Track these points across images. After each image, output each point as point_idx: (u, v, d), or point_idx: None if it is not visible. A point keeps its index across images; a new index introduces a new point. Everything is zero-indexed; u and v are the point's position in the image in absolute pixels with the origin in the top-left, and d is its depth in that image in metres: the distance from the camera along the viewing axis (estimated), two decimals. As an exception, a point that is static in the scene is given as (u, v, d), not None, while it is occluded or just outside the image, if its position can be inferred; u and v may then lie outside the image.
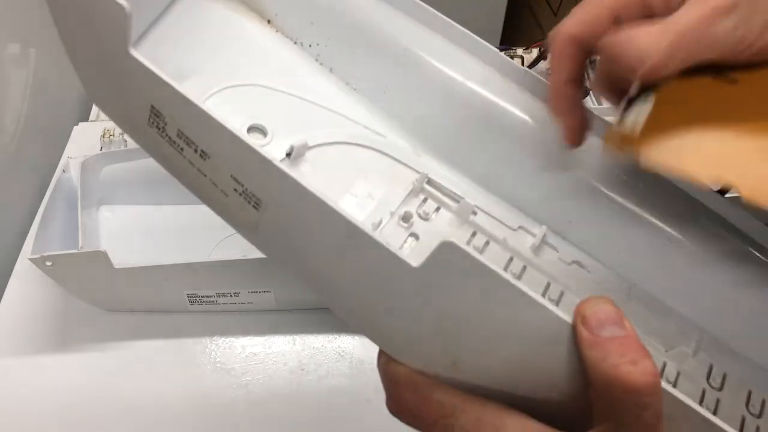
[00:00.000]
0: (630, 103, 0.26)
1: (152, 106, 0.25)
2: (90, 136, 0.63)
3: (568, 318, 0.20)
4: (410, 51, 0.34)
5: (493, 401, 0.22)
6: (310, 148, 0.32)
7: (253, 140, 0.22)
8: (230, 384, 0.47)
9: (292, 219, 0.24)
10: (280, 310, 0.50)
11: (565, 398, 0.21)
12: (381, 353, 0.24)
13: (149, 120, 0.25)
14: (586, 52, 0.27)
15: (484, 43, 0.33)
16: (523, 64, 0.60)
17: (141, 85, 0.24)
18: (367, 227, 0.21)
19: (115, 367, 0.47)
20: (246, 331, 0.49)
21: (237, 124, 0.31)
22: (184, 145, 0.25)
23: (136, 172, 0.54)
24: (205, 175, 0.25)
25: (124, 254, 0.45)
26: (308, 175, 0.32)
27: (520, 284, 0.19)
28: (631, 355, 0.19)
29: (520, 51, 0.60)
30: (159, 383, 0.47)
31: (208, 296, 0.48)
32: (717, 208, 0.31)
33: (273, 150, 0.32)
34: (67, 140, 0.64)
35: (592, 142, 0.31)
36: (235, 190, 0.24)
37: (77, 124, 0.66)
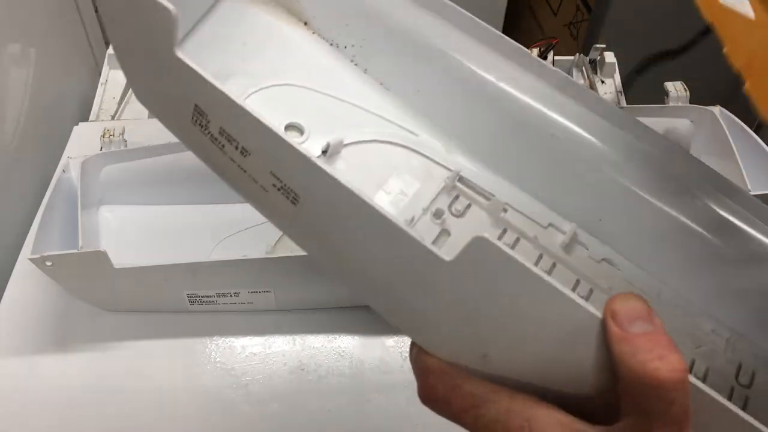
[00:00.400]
0: None
1: (196, 105, 0.26)
2: (90, 136, 0.63)
3: (598, 313, 0.20)
4: (443, 52, 0.35)
5: (523, 393, 0.22)
6: (345, 145, 0.34)
7: (291, 138, 0.23)
8: (230, 384, 0.47)
9: (328, 214, 0.24)
10: (280, 310, 0.50)
11: (593, 392, 0.21)
12: (413, 345, 0.24)
13: (193, 118, 0.26)
14: None
15: (518, 45, 0.34)
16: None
17: (185, 84, 0.25)
18: (402, 222, 0.21)
19: (115, 367, 0.47)
20: (246, 331, 0.49)
21: (274, 123, 0.32)
22: (225, 142, 0.26)
23: (136, 172, 0.54)
24: (245, 171, 0.26)
25: (124, 254, 0.45)
26: (343, 172, 0.33)
27: (551, 279, 0.20)
28: (660, 350, 0.19)
29: (520, 51, 0.60)
30: (159, 383, 0.47)
31: (208, 296, 0.48)
32: (752, 210, 0.32)
33: (309, 147, 0.33)
34: (67, 140, 0.64)
35: (623, 138, 0.32)
36: (274, 185, 0.25)
37: (77, 124, 0.66)
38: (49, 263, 0.43)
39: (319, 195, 0.24)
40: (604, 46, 0.67)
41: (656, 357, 0.19)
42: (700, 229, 0.32)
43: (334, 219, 0.24)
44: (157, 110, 0.30)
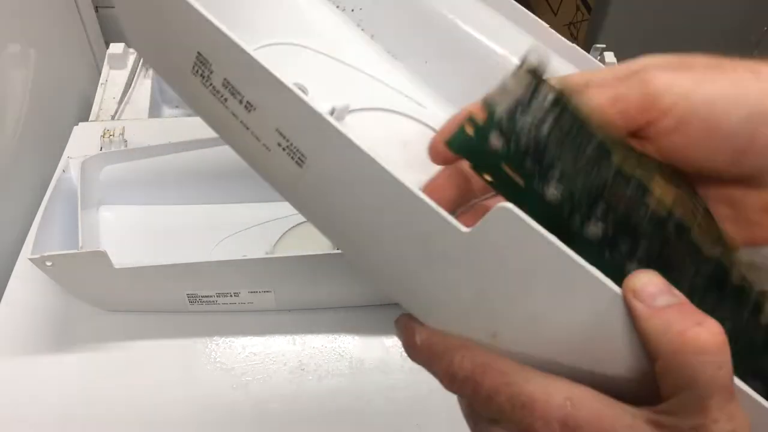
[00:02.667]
0: None
1: (199, 53, 0.24)
2: (90, 136, 0.63)
3: (620, 291, 0.19)
4: (454, 22, 0.33)
5: (555, 373, 0.21)
6: (351, 111, 0.32)
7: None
8: (230, 384, 0.47)
9: (337, 177, 0.23)
10: (280, 310, 0.50)
11: (624, 373, 0.20)
12: (416, 329, 0.23)
13: (194, 68, 0.24)
14: None
15: (532, 15, 0.32)
16: (523, 64, 0.60)
17: (189, 29, 0.23)
18: (417, 189, 0.20)
19: (115, 367, 0.47)
20: (246, 331, 0.49)
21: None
22: (228, 96, 0.24)
23: (136, 172, 0.54)
24: (248, 128, 0.24)
25: (124, 254, 0.45)
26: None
27: (575, 254, 0.18)
28: (694, 317, 0.19)
29: (520, 51, 0.60)
30: (159, 383, 0.47)
31: (208, 296, 0.48)
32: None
33: None
34: (67, 140, 0.64)
35: None
36: (279, 144, 0.23)
37: (77, 124, 0.66)
38: (49, 263, 0.43)
39: (328, 156, 0.22)
40: (604, 46, 0.67)
41: (693, 323, 0.18)
42: None
43: (342, 183, 0.23)
44: (152, 57, 0.28)
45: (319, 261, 0.45)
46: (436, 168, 0.28)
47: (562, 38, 0.32)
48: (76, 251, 0.44)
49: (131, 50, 0.77)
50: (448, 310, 0.22)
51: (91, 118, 0.69)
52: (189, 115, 0.76)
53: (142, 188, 0.55)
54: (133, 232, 0.54)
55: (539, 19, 0.32)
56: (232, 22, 0.32)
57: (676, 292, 0.20)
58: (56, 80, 0.75)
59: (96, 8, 0.92)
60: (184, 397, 0.46)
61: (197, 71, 0.24)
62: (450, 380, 0.23)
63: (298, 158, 0.23)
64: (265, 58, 0.32)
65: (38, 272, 0.44)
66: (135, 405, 0.45)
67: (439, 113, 0.34)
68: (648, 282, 0.19)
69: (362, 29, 0.35)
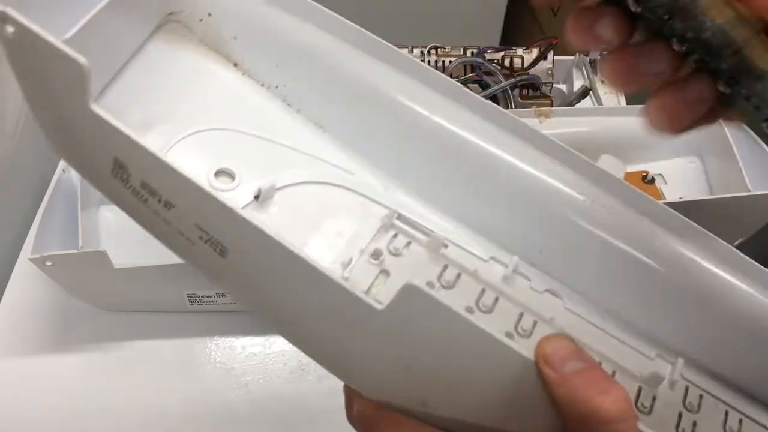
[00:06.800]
0: None
1: (116, 158, 0.25)
2: (90, 136, 0.63)
3: (531, 357, 0.20)
4: (376, 88, 0.34)
5: None
6: (279, 189, 0.32)
7: (220, 185, 0.23)
8: (230, 384, 0.47)
9: (258, 265, 0.24)
10: (280, 310, 0.50)
11: None
12: (355, 400, 0.24)
13: (113, 172, 0.26)
14: None
15: (446, 78, 0.34)
16: (523, 64, 0.60)
17: (104, 138, 0.24)
18: (332, 271, 0.21)
19: (115, 367, 0.47)
20: (246, 331, 0.49)
21: (204, 169, 0.31)
22: (148, 196, 0.25)
23: (136, 172, 0.54)
24: (170, 224, 0.25)
25: (124, 254, 0.45)
26: (277, 216, 0.32)
27: (482, 324, 0.19)
28: (599, 385, 0.19)
29: (520, 51, 0.60)
30: (159, 383, 0.47)
31: (208, 296, 0.48)
32: (687, 233, 0.31)
33: (241, 193, 0.32)
34: (67, 140, 0.64)
35: (555, 167, 0.32)
36: (201, 237, 0.24)
37: (77, 124, 0.66)
38: (49, 263, 0.43)
39: (246, 246, 0.24)
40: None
41: (597, 392, 0.19)
42: (641, 256, 0.31)
43: (264, 270, 0.24)
44: (75, 164, 0.29)
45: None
46: (366, 237, 0.30)
47: (480, 97, 0.34)
48: (76, 251, 0.44)
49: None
50: (379, 382, 0.23)
51: (91, 118, 0.68)
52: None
53: (142, 188, 0.55)
54: (133, 232, 0.54)
55: (455, 81, 0.34)
56: (158, 116, 0.33)
57: (586, 355, 0.20)
58: (56, 80, 0.75)
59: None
60: (184, 397, 0.46)
61: (117, 174, 0.25)
62: None
63: (220, 249, 0.24)
64: (191, 146, 0.33)
65: (38, 272, 0.44)
66: (135, 405, 0.45)
67: (368, 178, 0.35)
68: (558, 347, 0.20)
69: (288, 104, 0.36)
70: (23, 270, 0.53)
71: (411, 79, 0.34)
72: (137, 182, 0.25)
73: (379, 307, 0.20)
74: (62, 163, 0.54)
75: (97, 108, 0.23)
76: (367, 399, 0.24)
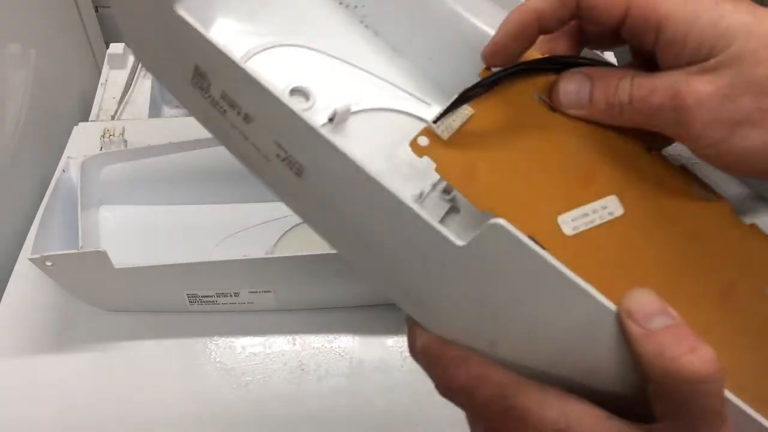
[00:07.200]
0: (462, 99, 0.25)
1: (197, 66, 0.24)
2: (90, 136, 0.63)
3: (614, 307, 0.19)
4: (460, 16, 0.32)
5: (553, 386, 0.21)
6: (353, 113, 0.31)
7: (296, 104, 0.22)
8: (230, 384, 0.47)
9: (334, 188, 0.23)
10: (280, 310, 0.50)
11: (620, 389, 0.20)
12: (418, 333, 0.23)
13: (193, 80, 0.25)
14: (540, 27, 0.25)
15: None
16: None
17: (186, 44, 0.24)
18: (412, 202, 0.20)
19: (115, 367, 0.47)
20: (246, 331, 0.49)
21: (279, 87, 0.29)
22: (227, 107, 0.24)
23: (136, 172, 0.54)
24: (248, 139, 0.24)
25: (124, 254, 0.45)
26: (350, 141, 0.31)
27: (567, 270, 0.19)
28: (688, 342, 0.18)
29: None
30: (159, 383, 0.47)
31: (208, 296, 0.48)
32: None
33: (315, 114, 0.31)
34: (67, 140, 0.64)
35: None
36: (278, 155, 0.23)
37: (77, 124, 0.66)
38: (49, 263, 0.43)
39: (325, 168, 0.23)
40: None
41: (686, 350, 0.18)
42: None
43: (340, 194, 0.23)
44: (154, 69, 0.28)
45: (319, 261, 0.45)
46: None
47: None
48: (76, 251, 0.44)
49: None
50: (447, 318, 0.22)
51: (91, 118, 0.69)
52: (189, 115, 0.76)
53: (142, 188, 0.55)
54: (133, 232, 0.54)
55: None
56: (235, 28, 0.32)
57: (672, 312, 0.19)
58: (56, 80, 0.75)
59: (96, 8, 0.92)
60: (184, 397, 0.46)
61: (196, 83, 0.25)
62: (444, 389, 0.23)
63: (297, 169, 0.23)
64: (266, 62, 0.32)
65: (38, 272, 0.44)
66: (135, 405, 0.45)
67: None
68: (644, 302, 0.19)
69: (366, 26, 0.34)
70: (23, 270, 0.53)
71: (500, 10, 0.31)
72: (217, 92, 0.24)
73: (459, 243, 0.20)
74: (62, 163, 0.54)
75: (182, 10, 0.22)
76: (432, 333, 0.23)
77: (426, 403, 0.45)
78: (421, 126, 0.29)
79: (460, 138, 0.25)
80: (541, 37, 0.26)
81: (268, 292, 0.48)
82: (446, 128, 0.26)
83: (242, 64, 0.22)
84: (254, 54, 0.32)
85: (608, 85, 0.24)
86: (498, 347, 0.21)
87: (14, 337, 0.49)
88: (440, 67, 0.34)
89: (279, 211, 0.55)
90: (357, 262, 0.25)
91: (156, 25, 0.25)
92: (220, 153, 0.53)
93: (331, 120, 0.31)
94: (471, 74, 0.32)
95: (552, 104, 0.25)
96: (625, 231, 0.19)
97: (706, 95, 0.21)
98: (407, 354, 0.52)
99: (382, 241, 0.23)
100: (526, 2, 0.25)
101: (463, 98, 0.26)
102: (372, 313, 0.51)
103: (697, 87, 0.21)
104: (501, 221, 0.19)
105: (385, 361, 0.48)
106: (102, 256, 0.43)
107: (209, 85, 0.24)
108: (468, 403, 0.22)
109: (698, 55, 0.21)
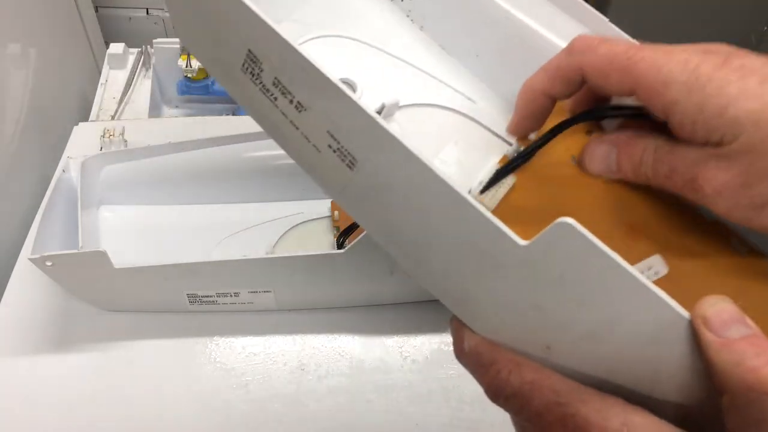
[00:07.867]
0: (505, 171, 0.25)
1: (249, 51, 0.23)
2: (90, 136, 0.63)
3: (686, 314, 0.18)
4: (508, 12, 0.31)
5: (612, 394, 0.20)
6: (400, 108, 0.31)
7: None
8: (230, 384, 0.47)
9: (390, 182, 0.22)
10: (280, 310, 0.50)
11: (686, 400, 0.19)
12: (466, 335, 0.23)
13: (243, 65, 0.24)
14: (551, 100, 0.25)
15: (592, 10, 0.30)
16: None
17: (241, 27, 0.23)
18: (473, 200, 0.19)
19: (115, 367, 0.47)
20: (246, 331, 0.49)
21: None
22: (278, 95, 0.23)
23: (136, 172, 0.54)
24: (298, 128, 0.23)
25: (124, 254, 0.45)
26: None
27: (637, 273, 0.18)
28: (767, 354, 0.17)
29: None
30: (159, 383, 0.47)
31: (208, 296, 0.48)
32: None
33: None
34: (67, 140, 0.64)
35: None
36: (330, 146, 0.23)
37: (77, 124, 0.66)
38: (49, 263, 0.43)
39: (380, 161, 0.21)
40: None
41: (766, 362, 0.17)
42: None
43: (394, 189, 0.22)
44: (201, 53, 0.28)
45: (319, 261, 0.45)
46: (487, 169, 0.28)
47: (616, 28, 0.31)
48: (76, 251, 0.44)
49: (131, 50, 0.77)
50: (499, 319, 0.22)
51: (91, 118, 0.69)
52: (189, 115, 0.76)
53: (142, 188, 0.55)
54: (133, 232, 0.54)
55: (595, 11, 0.30)
56: (280, 15, 0.31)
57: (750, 322, 0.18)
58: (56, 80, 0.75)
59: (96, 8, 0.92)
60: (184, 397, 0.46)
61: (247, 69, 0.24)
62: (494, 394, 0.22)
63: (349, 161, 0.22)
64: (316, 51, 0.31)
65: (38, 272, 0.44)
66: (135, 405, 0.45)
67: (490, 108, 0.32)
68: (720, 309, 0.18)
69: (411, 20, 0.34)
70: (23, 270, 0.53)
71: (552, 9, 0.31)
72: (269, 79, 0.23)
73: (522, 242, 0.19)
74: (62, 163, 0.54)
75: None
76: (480, 335, 0.22)
77: (426, 403, 0.45)
78: (468, 123, 0.28)
79: (506, 207, 0.25)
80: None
81: (268, 292, 0.48)
82: (491, 198, 0.25)
83: (300, 48, 0.21)
84: (303, 42, 0.31)
85: (633, 155, 0.23)
86: (553, 352, 0.20)
87: (14, 337, 0.49)
88: (487, 64, 0.33)
89: (279, 211, 0.55)
90: (406, 259, 0.24)
91: (210, 9, 0.24)
92: (221, 153, 0.54)
93: (378, 113, 0.30)
94: (517, 71, 0.30)
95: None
96: (672, 293, 0.19)
97: (723, 184, 0.20)
98: (407, 354, 0.52)
99: (436, 238, 0.22)
100: (532, 83, 0.25)
101: (506, 170, 0.25)
102: (372, 313, 0.51)
103: (714, 174, 0.20)
104: (569, 220, 0.18)
105: (385, 361, 0.48)
106: (102, 256, 0.43)
107: (261, 71, 0.23)
108: (521, 409, 0.21)
109: (711, 139, 0.20)
